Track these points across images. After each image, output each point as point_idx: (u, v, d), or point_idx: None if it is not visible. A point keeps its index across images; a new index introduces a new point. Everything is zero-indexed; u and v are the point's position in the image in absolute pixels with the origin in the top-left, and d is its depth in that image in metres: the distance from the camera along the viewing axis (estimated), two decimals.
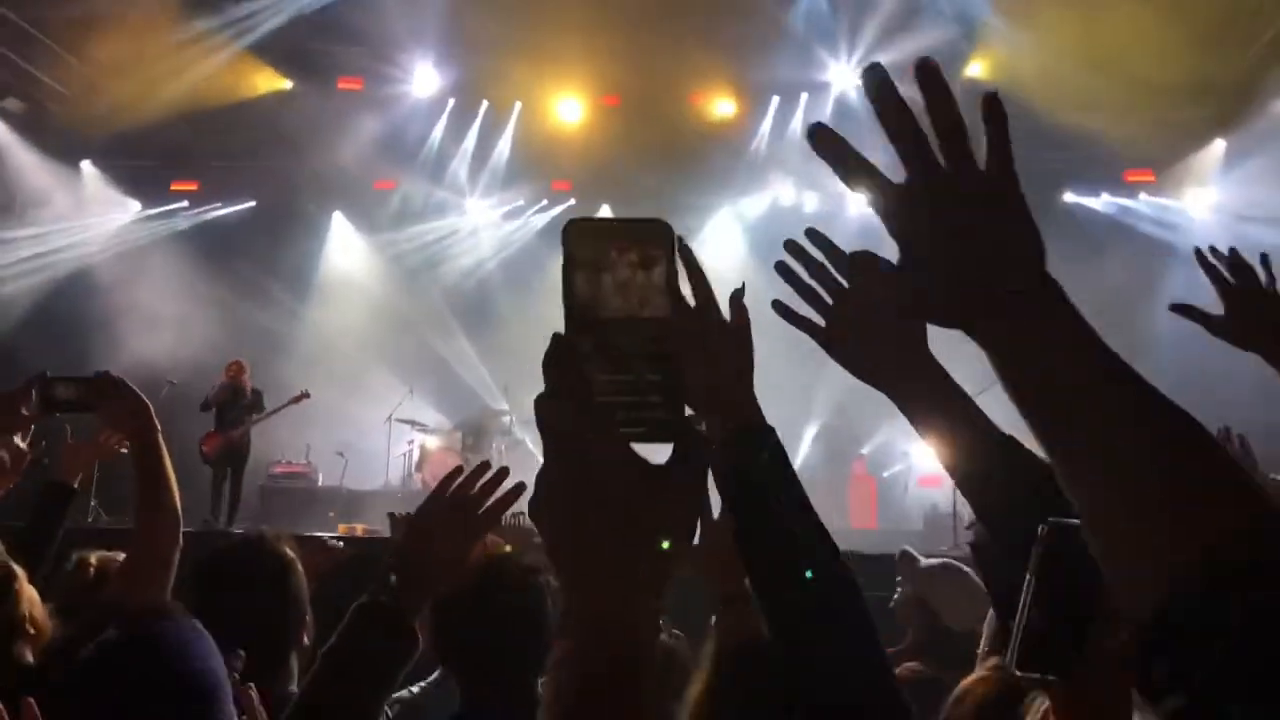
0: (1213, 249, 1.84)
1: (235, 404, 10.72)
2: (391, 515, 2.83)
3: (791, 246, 1.51)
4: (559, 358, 0.81)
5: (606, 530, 0.79)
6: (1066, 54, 12.18)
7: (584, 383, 0.80)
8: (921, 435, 1.44)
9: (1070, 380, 0.83)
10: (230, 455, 10.69)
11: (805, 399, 14.14)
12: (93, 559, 3.23)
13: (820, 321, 1.50)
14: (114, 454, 2.73)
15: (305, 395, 10.88)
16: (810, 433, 14.25)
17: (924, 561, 3.68)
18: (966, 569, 3.40)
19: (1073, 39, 12.03)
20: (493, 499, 1.65)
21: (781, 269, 1.52)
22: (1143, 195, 13.70)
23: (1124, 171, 13.52)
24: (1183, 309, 1.80)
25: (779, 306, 1.54)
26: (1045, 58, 12.33)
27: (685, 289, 1.40)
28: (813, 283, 1.50)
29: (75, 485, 2.96)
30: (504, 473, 1.68)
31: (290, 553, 2.38)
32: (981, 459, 1.39)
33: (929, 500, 12.18)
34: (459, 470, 1.70)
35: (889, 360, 1.48)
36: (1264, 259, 1.82)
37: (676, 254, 0.85)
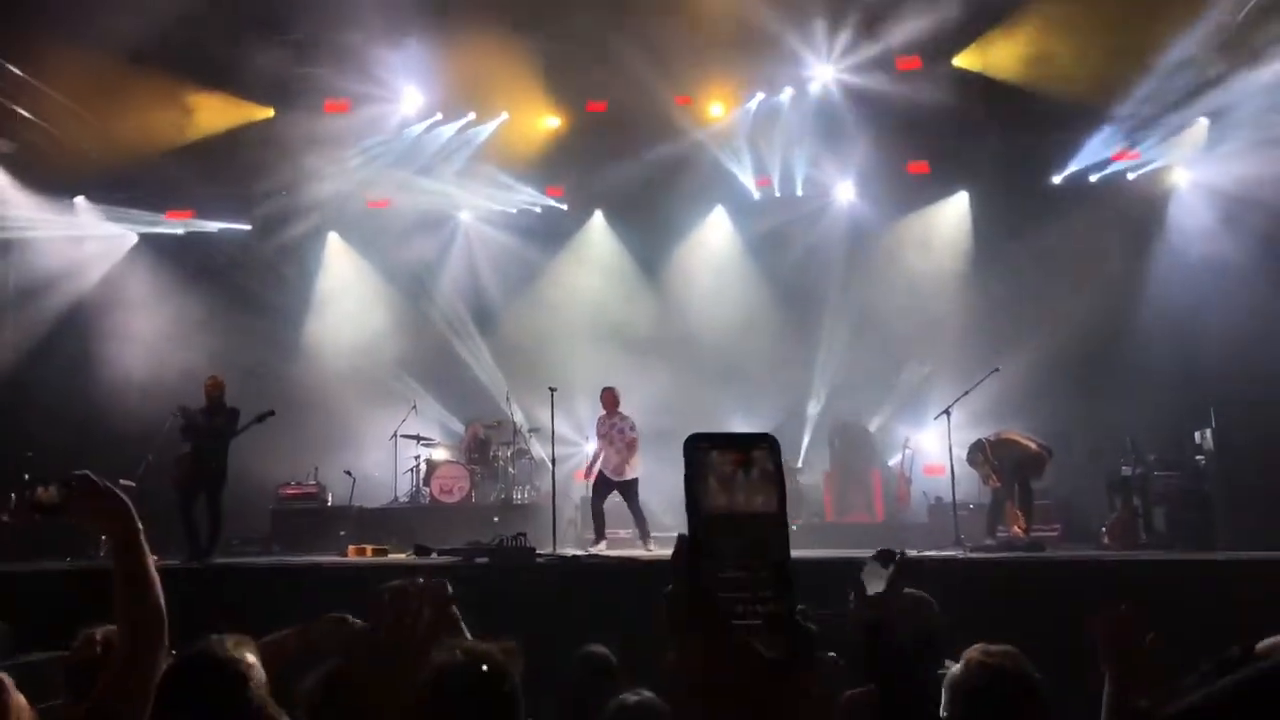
0: None
1: (210, 424, 9.92)
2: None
3: None
4: (683, 556, 0.91)
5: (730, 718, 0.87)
6: (1054, 35, 12.30)
7: (705, 579, 0.90)
8: None
9: None
10: (201, 480, 9.84)
11: (804, 390, 14.27)
12: (99, 634, 3.26)
13: None
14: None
15: (270, 413, 10.08)
16: (810, 427, 14.34)
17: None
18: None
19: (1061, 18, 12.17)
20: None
21: None
22: (1130, 175, 13.77)
23: (1112, 152, 13.58)
24: None
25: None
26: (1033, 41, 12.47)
27: None
28: None
29: None
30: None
31: (248, 657, 2.31)
32: None
33: (934, 491, 12.24)
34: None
35: None
36: None
37: (782, 464, 0.97)
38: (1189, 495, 10.85)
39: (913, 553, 8.51)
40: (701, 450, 0.95)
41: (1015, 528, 10.41)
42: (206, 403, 10.10)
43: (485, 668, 1.98)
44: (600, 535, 10.70)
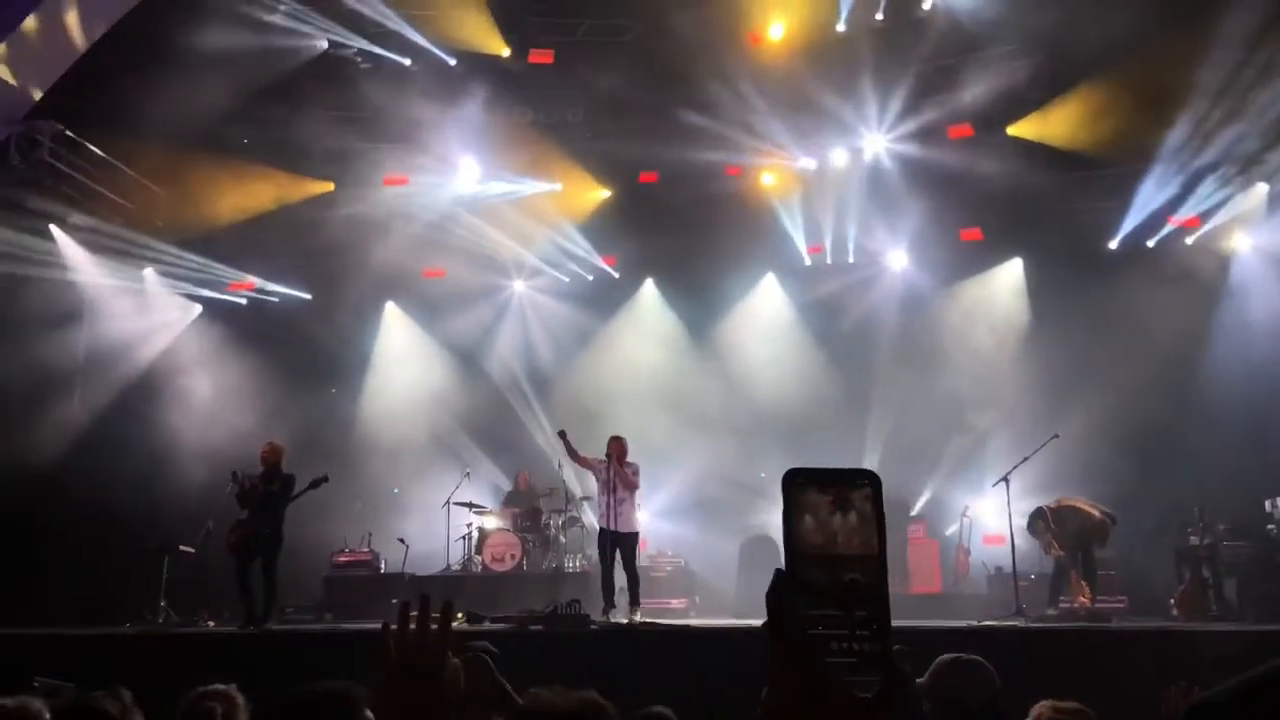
0: None
1: (266, 489, 9.99)
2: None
3: None
4: (780, 591, 0.92)
5: None
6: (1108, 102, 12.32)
7: (800, 613, 0.91)
8: None
9: None
10: (255, 546, 9.89)
11: (856, 460, 14.07)
12: (214, 691, 3.29)
13: None
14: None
15: (325, 479, 10.18)
16: None
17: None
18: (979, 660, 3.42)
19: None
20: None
21: None
22: (1188, 240, 13.61)
23: (1169, 217, 13.46)
24: None
25: None
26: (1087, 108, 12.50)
27: None
28: None
29: None
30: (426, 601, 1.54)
31: (112, 708, 2.36)
32: None
33: (993, 561, 11.97)
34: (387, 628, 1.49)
35: None
36: None
37: (882, 501, 0.96)
38: (1260, 565, 10.50)
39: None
40: (799, 486, 0.95)
41: (1080, 598, 10.13)
42: (263, 469, 10.21)
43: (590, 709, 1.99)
44: (610, 600, 9.98)
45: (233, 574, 9.90)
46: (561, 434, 10.70)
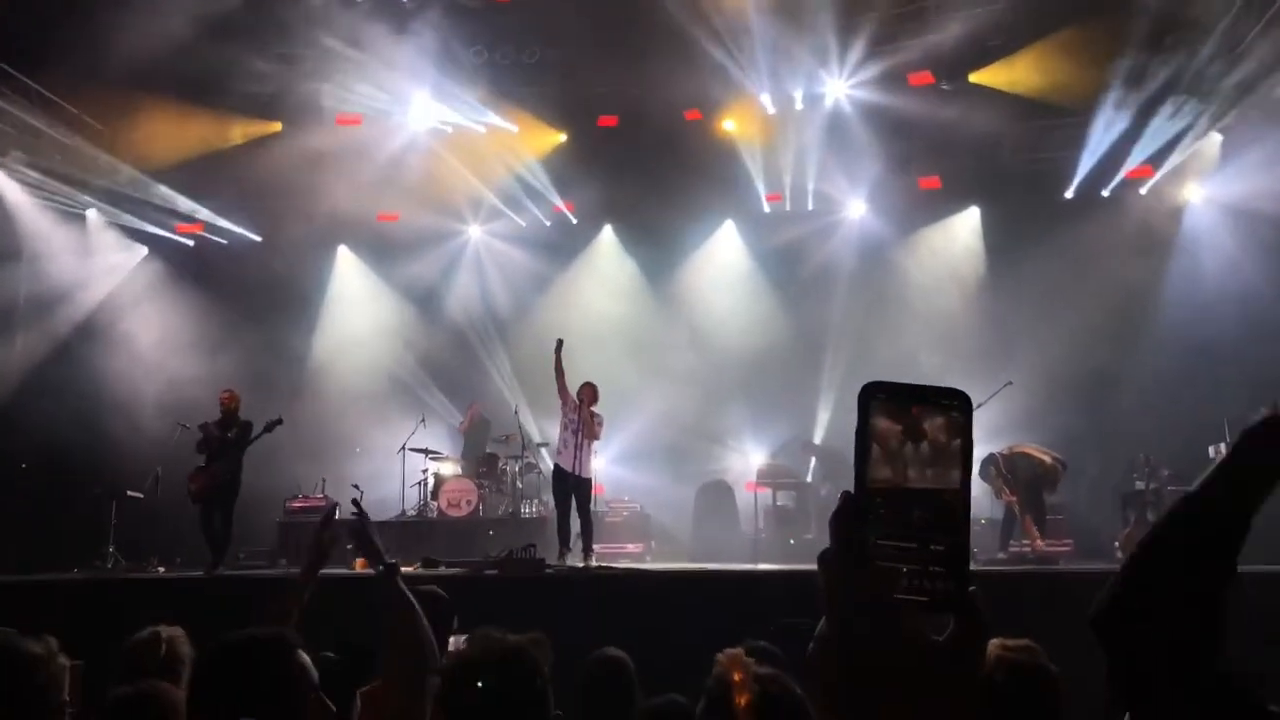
0: None
1: (223, 436, 10.03)
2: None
3: None
4: (845, 517, 0.82)
5: (879, 700, 0.79)
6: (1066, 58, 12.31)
7: (866, 544, 0.81)
8: None
9: None
10: (215, 492, 9.92)
11: (812, 404, 14.21)
12: (164, 633, 3.28)
13: None
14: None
15: (279, 422, 10.10)
16: (817, 435, 14.26)
17: None
18: None
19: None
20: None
21: None
22: (1142, 190, 13.72)
23: (1124, 170, 13.54)
24: None
25: None
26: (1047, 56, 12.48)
27: None
28: None
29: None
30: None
31: (36, 648, 2.33)
32: None
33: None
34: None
35: None
36: None
37: (972, 427, 0.85)
38: None
39: None
40: (877, 403, 0.84)
41: (1034, 542, 10.32)
42: (221, 415, 10.19)
43: (515, 656, 2.00)
44: (566, 544, 9.97)
45: (186, 519, 9.91)
46: (559, 343, 10.45)
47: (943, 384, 0.87)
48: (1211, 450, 11.11)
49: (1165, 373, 12.13)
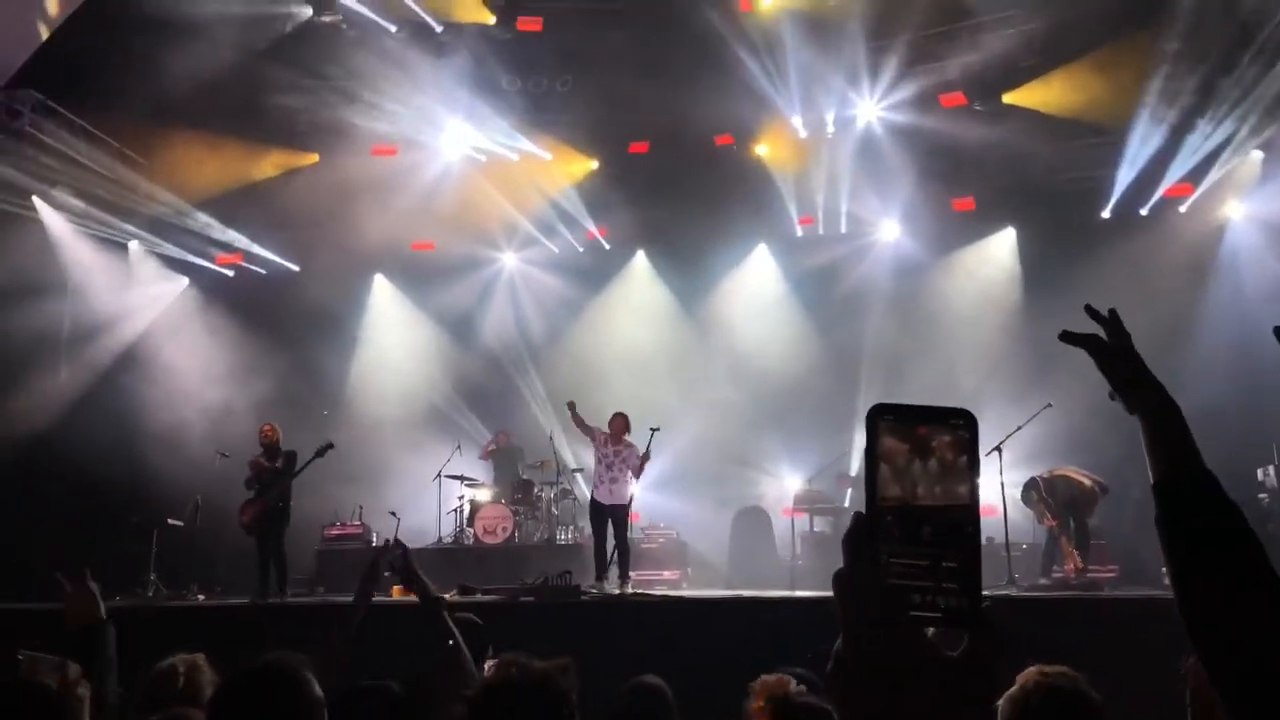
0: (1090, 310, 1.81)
1: (271, 467, 10.47)
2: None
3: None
4: (858, 536, 0.84)
5: (896, 717, 0.80)
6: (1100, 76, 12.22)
7: (879, 562, 0.83)
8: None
9: None
10: (267, 522, 10.31)
11: (848, 428, 14.08)
12: (181, 665, 3.27)
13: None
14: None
15: (330, 446, 10.46)
16: (854, 465, 14.11)
17: None
18: None
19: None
20: None
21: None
22: (1182, 209, 13.54)
23: (1162, 188, 13.38)
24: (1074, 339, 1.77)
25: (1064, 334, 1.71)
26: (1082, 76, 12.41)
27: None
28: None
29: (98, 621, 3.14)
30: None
31: (53, 678, 2.41)
32: None
33: (985, 531, 11.91)
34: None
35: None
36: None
37: (978, 444, 0.87)
38: None
39: None
40: (885, 423, 0.86)
41: (1070, 566, 10.14)
42: (263, 449, 10.55)
43: (542, 683, 2.00)
44: (604, 571, 10.03)
45: (225, 548, 10.28)
46: (571, 406, 10.57)
47: (981, 407, 0.89)
48: (1260, 473, 10.88)
49: (1209, 393, 11.86)
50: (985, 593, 0.85)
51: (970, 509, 0.85)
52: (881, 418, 0.86)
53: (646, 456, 10.27)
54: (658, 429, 10.46)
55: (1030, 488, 10.52)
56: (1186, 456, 1.46)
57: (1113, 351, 1.66)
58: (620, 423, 10.47)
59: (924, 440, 0.85)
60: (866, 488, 0.85)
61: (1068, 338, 1.75)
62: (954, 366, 13.60)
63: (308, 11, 12.87)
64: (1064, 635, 7.06)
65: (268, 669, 2.23)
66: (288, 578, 10.39)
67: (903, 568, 0.83)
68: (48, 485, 11.94)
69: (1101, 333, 1.74)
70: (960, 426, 0.86)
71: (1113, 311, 1.81)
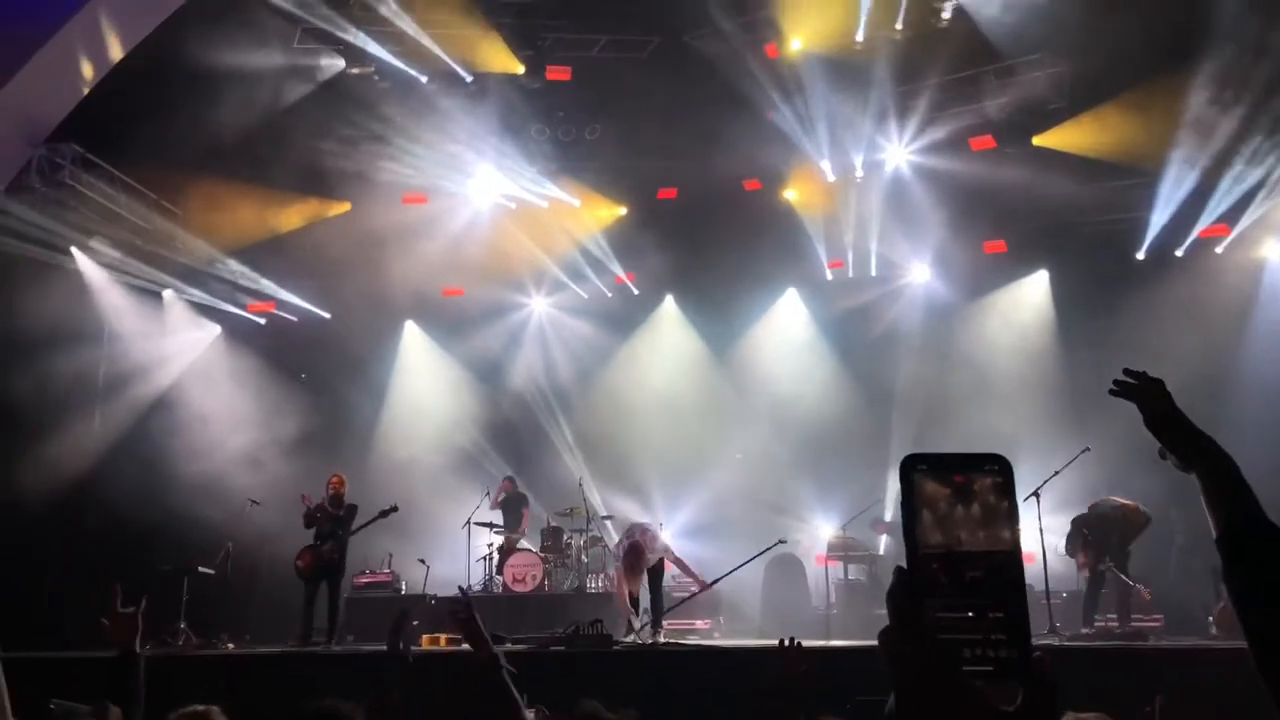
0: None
1: (331, 517, 10.76)
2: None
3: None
4: (903, 591, 0.82)
5: None
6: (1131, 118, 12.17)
7: (927, 617, 0.81)
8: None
9: None
10: (323, 570, 10.63)
11: (881, 474, 13.88)
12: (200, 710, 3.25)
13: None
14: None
15: (394, 509, 10.82)
16: (889, 510, 13.90)
17: None
18: None
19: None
20: None
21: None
22: (1218, 249, 13.36)
23: (1197, 229, 13.23)
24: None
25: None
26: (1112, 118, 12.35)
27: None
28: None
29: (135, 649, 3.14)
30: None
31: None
32: None
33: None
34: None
35: None
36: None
37: (1014, 488, 0.86)
38: None
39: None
40: (920, 474, 0.84)
41: (1143, 592, 9.89)
42: (330, 499, 10.85)
43: None
44: (634, 621, 9.95)
45: (255, 595, 10.15)
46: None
47: (1017, 451, 0.86)
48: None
49: (1252, 436, 11.60)
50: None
51: (1014, 554, 0.83)
52: (915, 468, 0.85)
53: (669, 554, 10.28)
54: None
55: (1075, 536, 10.30)
56: (1247, 508, 1.41)
57: (1158, 417, 1.64)
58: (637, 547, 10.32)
59: (963, 486, 0.84)
60: (906, 539, 0.83)
61: (1119, 391, 1.74)
62: (989, 411, 13.38)
63: (340, 63, 13.08)
64: (1110, 687, 6.84)
65: (320, 714, 2.20)
66: (338, 625, 10.56)
67: (950, 621, 0.81)
68: (80, 532, 11.98)
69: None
70: (996, 472, 0.85)
71: (1145, 375, 1.78)
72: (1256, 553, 1.35)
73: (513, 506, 13.64)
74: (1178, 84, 11.72)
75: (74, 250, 13.10)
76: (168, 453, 13.29)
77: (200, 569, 11.23)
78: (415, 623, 11.58)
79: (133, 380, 13.81)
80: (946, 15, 12.29)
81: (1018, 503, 0.85)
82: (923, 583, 0.82)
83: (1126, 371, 1.75)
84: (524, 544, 13.06)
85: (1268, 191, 12.59)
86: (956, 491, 0.84)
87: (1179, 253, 13.50)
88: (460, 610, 3.05)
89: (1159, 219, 13.20)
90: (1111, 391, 1.70)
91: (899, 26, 12.33)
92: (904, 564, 0.84)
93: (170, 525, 12.32)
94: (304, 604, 10.51)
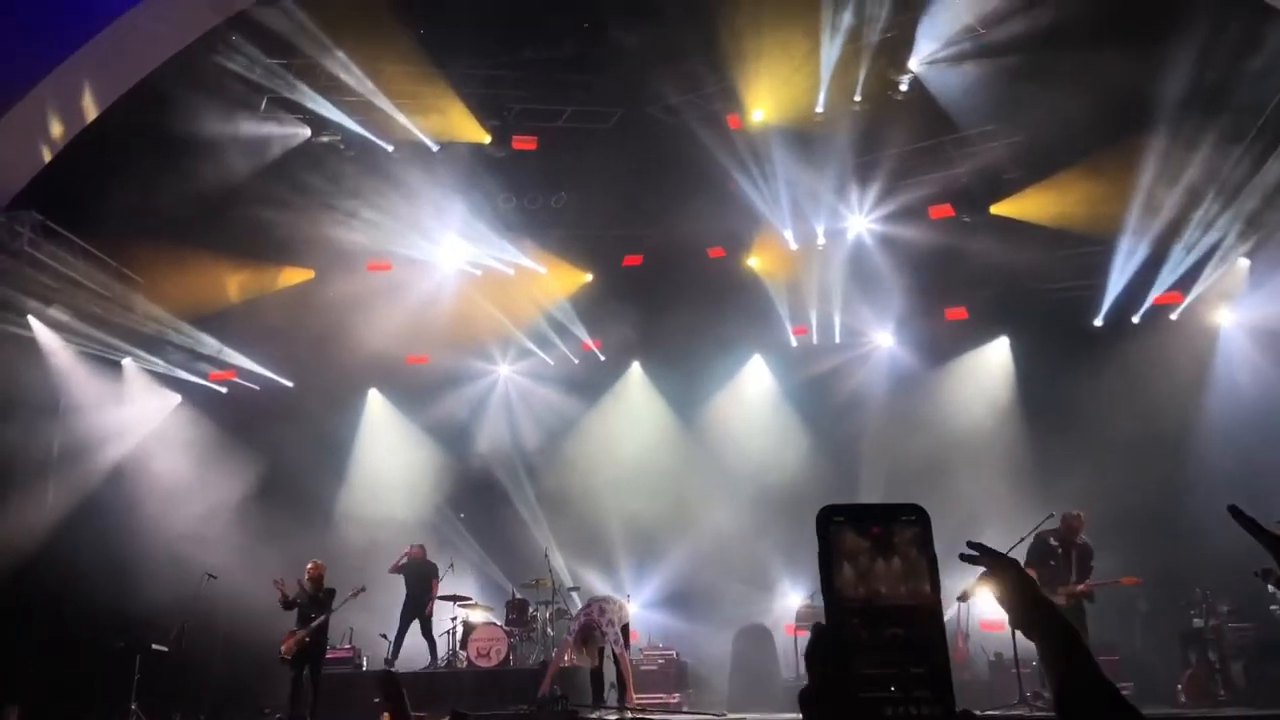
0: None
1: (310, 602, 10.98)
2: None
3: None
4: (821, 649, 0.81)
5: None
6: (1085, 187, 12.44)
7: (847, 676, 0.79)
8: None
9: None
10: (305, 652, 10.74)
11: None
12: None
13: None
14: None
15: (362, 590, 11.20)
16: None
17: None
18: None
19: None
20: None
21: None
22: (1173, 316, 13.61)
23: (1152, 296, 13.48)
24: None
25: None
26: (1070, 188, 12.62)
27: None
28: None
29: None
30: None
31: None
32: None
33: (993, 646, 11.60)
34: None
35: None
36: None
37: (932, 539, 0.85)
38: (1266, 647, 10.22)
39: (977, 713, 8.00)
40: (837, 525, 0.83)
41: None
42: (310, 583, 11.03)
43: None
44: (601, 695, 9.85)
45: (210, 674, 9.90)
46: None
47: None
48: (1271, 586, 10.61)
49: (1214, 501, 11.69)
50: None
51: (935, 608, 0.81)
52: (832, 520, 0.83)
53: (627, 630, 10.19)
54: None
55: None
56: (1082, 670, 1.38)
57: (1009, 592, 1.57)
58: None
59: (881, 538, 0.83)
60: (825, 593, 0.81)
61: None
62: (955, 476, 13.41)
63: (306, 132, 13.12)
64: None
65: None
66: (319, 704, 10.70)
67: (871, 680, 0.79)
68: (31, 610, 11.60)
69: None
70: (914, 522, 0.84)
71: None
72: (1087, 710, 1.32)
73: (419, 575, 12.89)
74: (1128, 154, 12.02)
75: (30, 318, 12.90)
76: (123, 527, 12.97)
77: (154, 646, 10.90)
78: (376, 700, 11.29)
79: (88, 452, 13.50)
80: (904, 88, 12.55)
81: (935, 554, 0.83)
82: (843, 639, 0.79)
83: (971, 545, 1.70)
84: (489, 617, 12.79)
85: (1218, 260, 12.87)
86: (878, 543, 0.82)
87: (1135, 319, 13.73)
88: (389, 686, 2.98)
89: (1115, 286, 13.45)
90: (962, 557, 1.66)
91: (858, 98, 12.57)
92: (823, 621, 0.82)
93: (123, 601, 11.97)
94: (291, 688, 10.68)
